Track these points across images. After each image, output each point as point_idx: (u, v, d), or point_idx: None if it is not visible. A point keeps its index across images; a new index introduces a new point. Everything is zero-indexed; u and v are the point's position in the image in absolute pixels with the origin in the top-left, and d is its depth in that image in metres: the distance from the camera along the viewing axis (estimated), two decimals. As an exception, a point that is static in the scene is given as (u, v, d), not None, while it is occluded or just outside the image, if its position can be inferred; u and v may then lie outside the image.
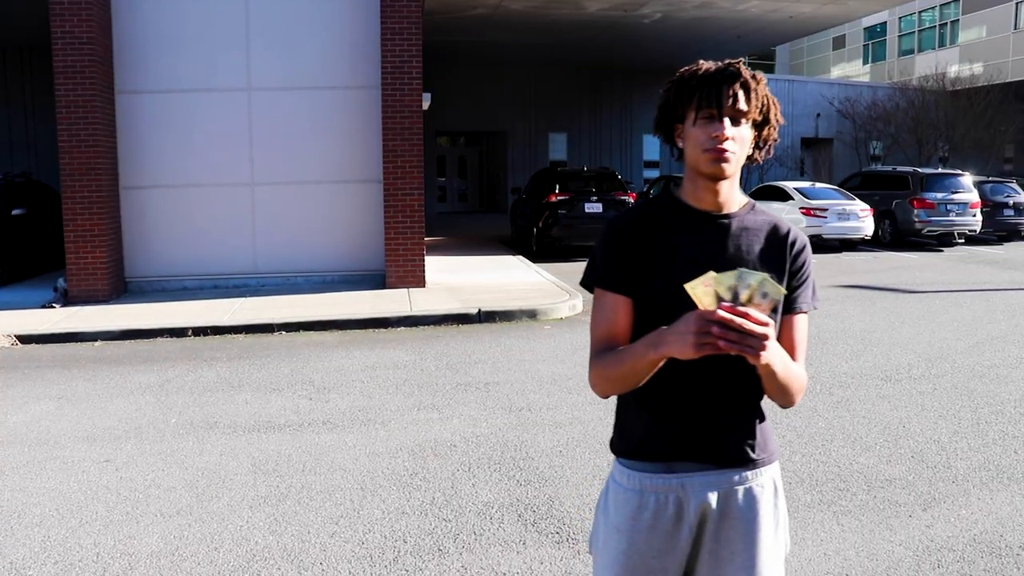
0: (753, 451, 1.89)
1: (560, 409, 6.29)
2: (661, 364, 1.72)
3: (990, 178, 22.31)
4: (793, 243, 1.89)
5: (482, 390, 6.87)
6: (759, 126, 1.85)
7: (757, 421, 1.91)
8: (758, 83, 1.83)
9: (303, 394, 6.82)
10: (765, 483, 1.90)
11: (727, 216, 1.86)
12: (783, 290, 1.63)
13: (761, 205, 1.92)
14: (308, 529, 4.22)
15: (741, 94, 1.79)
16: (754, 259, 1.84)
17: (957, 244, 19.66)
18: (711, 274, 1.57)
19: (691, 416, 1.85)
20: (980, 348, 8.32)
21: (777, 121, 1.87)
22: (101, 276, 11.33)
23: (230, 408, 6.44)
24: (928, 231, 19.03)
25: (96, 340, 9.17)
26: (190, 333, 9.34)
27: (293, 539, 4.11)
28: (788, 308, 1.88)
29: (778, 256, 1.87)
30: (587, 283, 1.93)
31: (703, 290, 1.56)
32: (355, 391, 6.90)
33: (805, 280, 1.90)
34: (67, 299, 11.20)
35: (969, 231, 19.30)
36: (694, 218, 1.86)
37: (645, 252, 1.83)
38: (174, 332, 9.34)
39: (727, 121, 1.78)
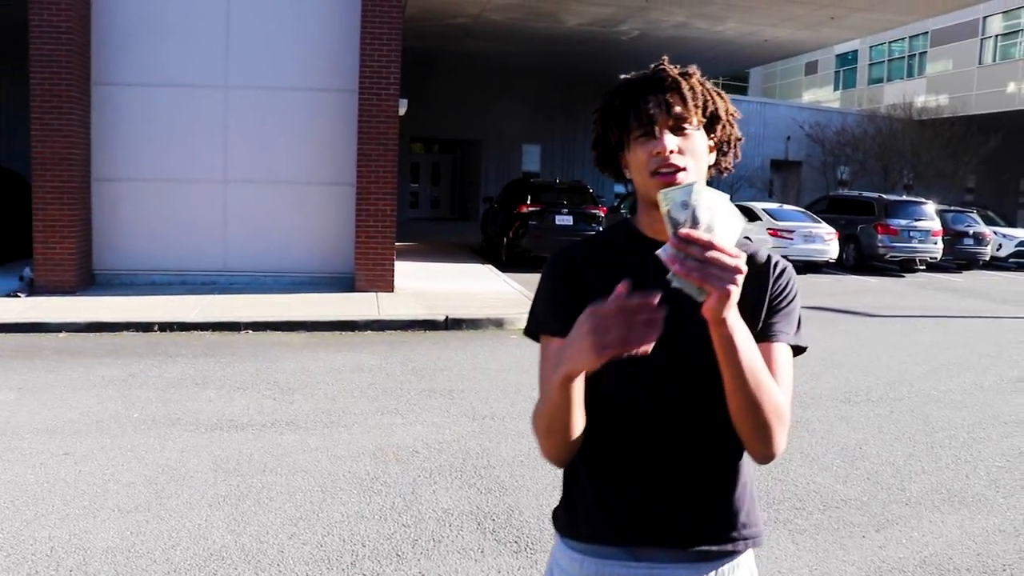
0: (733, 529, 1.55)
1: (523, 419, 6.31)
2: (574, 391, 1.36)
3: (952, 207, 22.73)
4: (775, 265, 1.57)
5: (446, 397, 6.89)
6: (710, 127, 1.53)
7: (736, 487, 1.55)
8: (691, 77, 1.53)
9: (267, 394, 6.80)
10: (743, 574, 1.58)
11: None
12: (744, 220, 1.34)
13: None
14: (267, 530, 4.22)
15: (673, 97, 1.49)
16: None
17: (918, 270, 19.99)
18: (660, 192, 1.30)
19: (652, 480, 1.51)
20: (937, 373, 8.48)
21: (731, 115, 1.57)
22: (69, 267, 11.22)
23: (193, 405, 6.41)
24: (891, 256, 19.36)
25: (61, 331, 9.07)
26: (156, 328, 9.27)
27: (251, 539, 4.10)
28: (764, 334, 1.50)
29: (758, 280, 1.53)
30: (530, 331, 1.60)
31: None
32: (319, 393, 6.90)
33: (787, 305, 1.54)
34: (33, 289, 11.07)
35: (930, 258, 19.66)
36: (652, 251, 1.36)
37: (595, 292, 1.37)
38: (140, 326, 9.26)
39: (666, 134, 1.48)
